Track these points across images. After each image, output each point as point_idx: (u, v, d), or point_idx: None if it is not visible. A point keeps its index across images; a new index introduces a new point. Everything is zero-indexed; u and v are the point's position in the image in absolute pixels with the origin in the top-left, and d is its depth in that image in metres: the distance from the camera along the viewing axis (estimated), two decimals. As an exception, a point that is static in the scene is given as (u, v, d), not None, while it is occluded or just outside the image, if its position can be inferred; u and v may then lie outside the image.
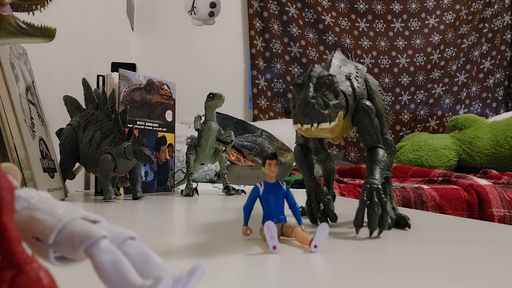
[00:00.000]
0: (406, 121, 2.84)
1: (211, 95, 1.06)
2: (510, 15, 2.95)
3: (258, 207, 0.41)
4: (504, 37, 2.94)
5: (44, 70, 1.01)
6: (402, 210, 0.60)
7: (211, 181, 1.74)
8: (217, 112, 1.10)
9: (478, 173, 1.72)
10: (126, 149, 0.84)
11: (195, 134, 1.12)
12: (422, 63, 2.87)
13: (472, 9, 2.90)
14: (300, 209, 0.56)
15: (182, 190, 1.04)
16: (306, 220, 0.54)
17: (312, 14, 2.83)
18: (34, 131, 0.76)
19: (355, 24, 2.88)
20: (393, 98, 2.85)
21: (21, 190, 0.18)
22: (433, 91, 2.87)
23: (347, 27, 2.87)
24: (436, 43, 2.89)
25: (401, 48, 2.88)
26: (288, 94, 2.79)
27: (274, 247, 0.35)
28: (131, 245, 0.18)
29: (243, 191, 1.07)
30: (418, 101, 2.86)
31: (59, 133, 0.96)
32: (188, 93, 2.23)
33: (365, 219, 0.44)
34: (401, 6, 2.89)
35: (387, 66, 2.86)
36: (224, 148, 1.12)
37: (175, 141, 1.19)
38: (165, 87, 1.15)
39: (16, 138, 0.68)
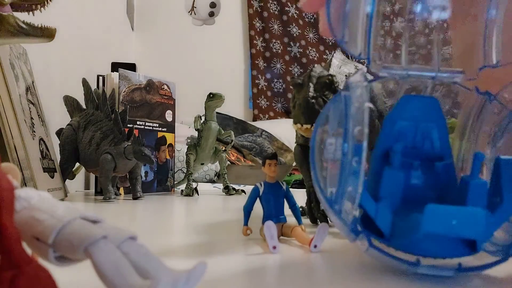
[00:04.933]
0: (406, 121, 2.84)
1: (211, 95, 1.06)
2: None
3: (258, 207, 0.41)
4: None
5: (44, 70, 1.01)
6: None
7: (211, 181, 1.74)
8: (217, 112, 1.10)
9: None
10: (126, 149, 0.84)
11: (195, 134, 1.12)
12: (422, 63, 2.87)
13: (472, 9, 2.90)
14: (300, 209, 0.56)
15: (182, 190, 1.04)
16: (306, 220, 0.54)
17: (312, 14, 2.83)
18: (34, 131, 0.76)
19: (355, 24, 2.88)
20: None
21: (21, 190, 0.18)
22: (432, 94, 2.87)
23: (347, 27, 2.87)
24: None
25: (401, 48, 2.87)
26: (288, 94, 2.79)
27: (274, 247, 0.35)
28: (131, 245, 0.18)
29: (243, 191, 1.07)
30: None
31: (59, 133, 0.96)
32: (188, 93, 2.23)
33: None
34: (401, 6, 2.89)
35: (387, 66, 2.86)
36: (224, 148, 1.12)
37: (175, 141, 1.20)
38: (165, 87, 1.15)
39: (16, 138, 0.68)
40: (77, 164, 0.97)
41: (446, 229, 0.24)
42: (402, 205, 0.29)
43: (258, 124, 2.44)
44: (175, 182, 1.18)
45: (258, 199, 0.41)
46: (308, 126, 0.40)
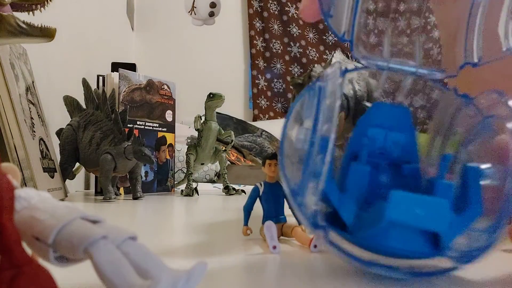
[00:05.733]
0: (406, 121, 2.84)
1: (211, 95, 1.06)
2: None
3: (258, 207, 0.41)
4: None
5: (44, 70, 1.01)
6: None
7: (211, 181, 1.74)
8: (217, 112, 1.10)
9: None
10: (126, 149, 0.84)
11: (195, 134, 1.12)
12: (422, 63, 2.87)
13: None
14: (300, 209, 0.56)
15: (182, 190, 1.04)
16: (306, 220, 0.54)
17: (312, 14, 2.83)
18: (34, 131, 0.76)
19: (355, 24, 2.88)
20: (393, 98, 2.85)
21: (21, 190, 0.18)
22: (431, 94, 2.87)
23: (347, 27, 2.87)
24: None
25: (401, 48, 2.87)
26: (288, 94, 2.79)
27: (274, 247, 0.35)
28: (131, 245, 0.18)
29: (243, 191, 1.07)
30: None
31: (59, 133, 0.96)
32: (188, 93, 2.23)
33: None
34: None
35: (387, 66, 2.86)
36: (224, 148, 1.12)
37: (175, 141, 1.20)
38: (165, 87, 1.15)
39: (16, 138, 0.68)
40: (77, 164, 0.97)
41: (411, 218, 0.24)
42: (367, 202, 0.29)
43: (258, 124, 2.44)
44: (175, 182, 1.18)
45: (258, 199, 0.41)
46: (308, 126, 0.40)
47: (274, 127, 2.36)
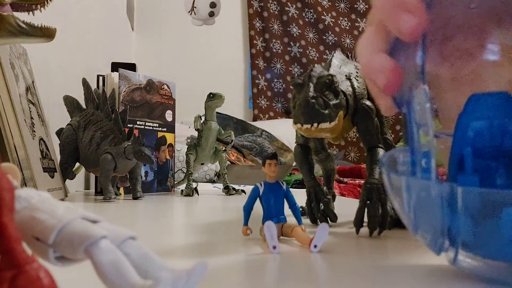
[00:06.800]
0: (406, 121, 2.84)
1: (211, 95, 1.06)
2: None
3: (258, 207, 0.41)
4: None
5: (44, 70, 1.01)
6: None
7: (211, 181, 1.74)
8: (217, 112, 1.11)
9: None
10: (126, 149, 0.84)
11: (195, 134, 1.13)
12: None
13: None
14: (300, 209, 0.56)
15: (182, 190, 1.04)
16: (306, 220, 0.54)
17: (312, 14, 2.84)
18: (34, 131, 0.76)
19: (355, 24, 2.88)
20: (393, 98, 2.85)
21: (21, 190, 0.18)
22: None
23: (347, 27, 2.87)
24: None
25: (401, 48, 2.87)
26: (288, 94, 2.79)
27: (274, 247, 0.35)
28: (131, 245, 0.18)
29: (243, 191, 1.07)
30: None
31: (59, 133, 0.96)
32: (188, 93, 2.23)
33: (365, 219, 0.44)
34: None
35: (387, 66, 2.86)
36: (224, 148, 1.12)
37: (175, 141, 1.20)
38: (165, 87, 1.15)
39: (16, 138, 0.68)
40: (77, 164, 0.97)
41: None
42: (482, 210, 0.26)
43: (258, 124, 2.44)
44: (175, 182, 1.18)
45: (258, 199, 0.41)
46: (308, 126, 0.40)
47: (274, 127, 2.36)
